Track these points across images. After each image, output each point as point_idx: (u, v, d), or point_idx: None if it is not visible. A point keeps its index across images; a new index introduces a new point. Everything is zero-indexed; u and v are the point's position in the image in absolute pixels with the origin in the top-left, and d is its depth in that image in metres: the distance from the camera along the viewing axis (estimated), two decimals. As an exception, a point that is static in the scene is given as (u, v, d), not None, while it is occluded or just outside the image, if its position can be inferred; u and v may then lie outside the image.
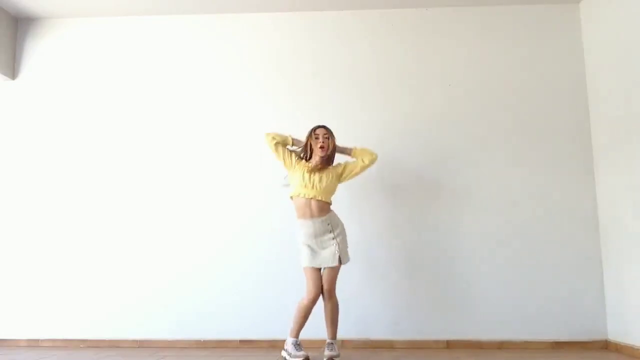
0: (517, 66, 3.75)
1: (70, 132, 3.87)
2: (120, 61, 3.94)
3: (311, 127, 3.13)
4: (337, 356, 3.01)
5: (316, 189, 3.02)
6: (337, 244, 3.02)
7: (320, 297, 3.04)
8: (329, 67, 3.83)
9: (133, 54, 3.94)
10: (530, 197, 3.60)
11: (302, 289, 3.44)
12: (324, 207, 3.06)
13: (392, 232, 3.60)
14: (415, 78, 3.78)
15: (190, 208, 3.73)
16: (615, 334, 3.37)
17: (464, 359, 3.11)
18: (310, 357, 2.97)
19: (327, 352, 3.00)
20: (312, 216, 3.03)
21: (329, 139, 3.10)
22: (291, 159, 3.13)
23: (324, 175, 3.06)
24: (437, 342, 3.47)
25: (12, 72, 3.94)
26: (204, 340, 3.56)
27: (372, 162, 3.15)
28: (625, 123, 3.25)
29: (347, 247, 3.10)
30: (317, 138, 3.10)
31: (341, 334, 3.47)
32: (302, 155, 3.15)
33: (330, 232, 3.04)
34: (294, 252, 3.23)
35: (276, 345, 3.44)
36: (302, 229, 3.07)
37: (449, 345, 3.46)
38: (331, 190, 3.09)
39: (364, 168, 3.15)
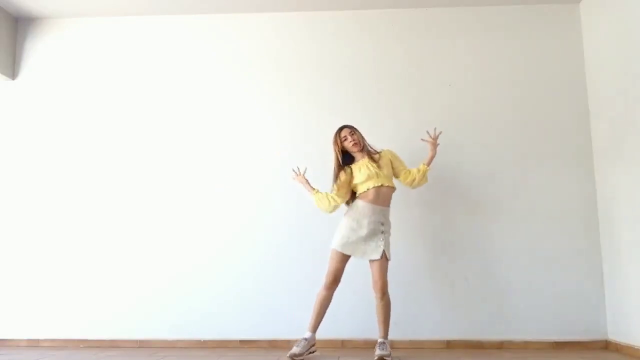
0: (517, 66, 3.75)
1: (70, 132, 3.87)
2: (120, 61, 3.94)
3: (312, 130, 3.18)
4: (388, 356, 2.92)
5: (379, 176, 3.07)
6: (383, 239, 3.04)
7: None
8: (329, 67, 3.83)
9: (133, 54, 3.94)
10: (529, 196, 3.60)
11: (302, 288, 3.44)
12: (389, 196, 3.12)
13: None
14: (415, 78, 3.79)
15: (191, 208, 3.73)
16: (615, 334, 3.36)
17: (464, 359, 3.11)
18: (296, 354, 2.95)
19: (378, 352, 2.93)
20: (379, 203, 3.06)
21: (354, 134, 3.16)
22: (342, 179, 3.09)
23: (377, 163, 3.12)
24: (437, 342, 3.47)
25: (12, 72, 3.94)
26: (204, 340, 3.56)
27: (414, 186, 3.24)
28: (625, 123, 3.25)
29: (389, 246, 3.10)
30: (345, 139, 3.14)
31: (341, 334, 3.49)
32: (340, 165, 3.12)
33: (382, 224, 3.07)
34: (294, 252, 3.24)
35: (276, 345, 3.44)
36: (358, 211, 3.05)
37: (449, 345, 3.46)
38: (391, 175, 3.15)
39: (407, 184, 3.22)
